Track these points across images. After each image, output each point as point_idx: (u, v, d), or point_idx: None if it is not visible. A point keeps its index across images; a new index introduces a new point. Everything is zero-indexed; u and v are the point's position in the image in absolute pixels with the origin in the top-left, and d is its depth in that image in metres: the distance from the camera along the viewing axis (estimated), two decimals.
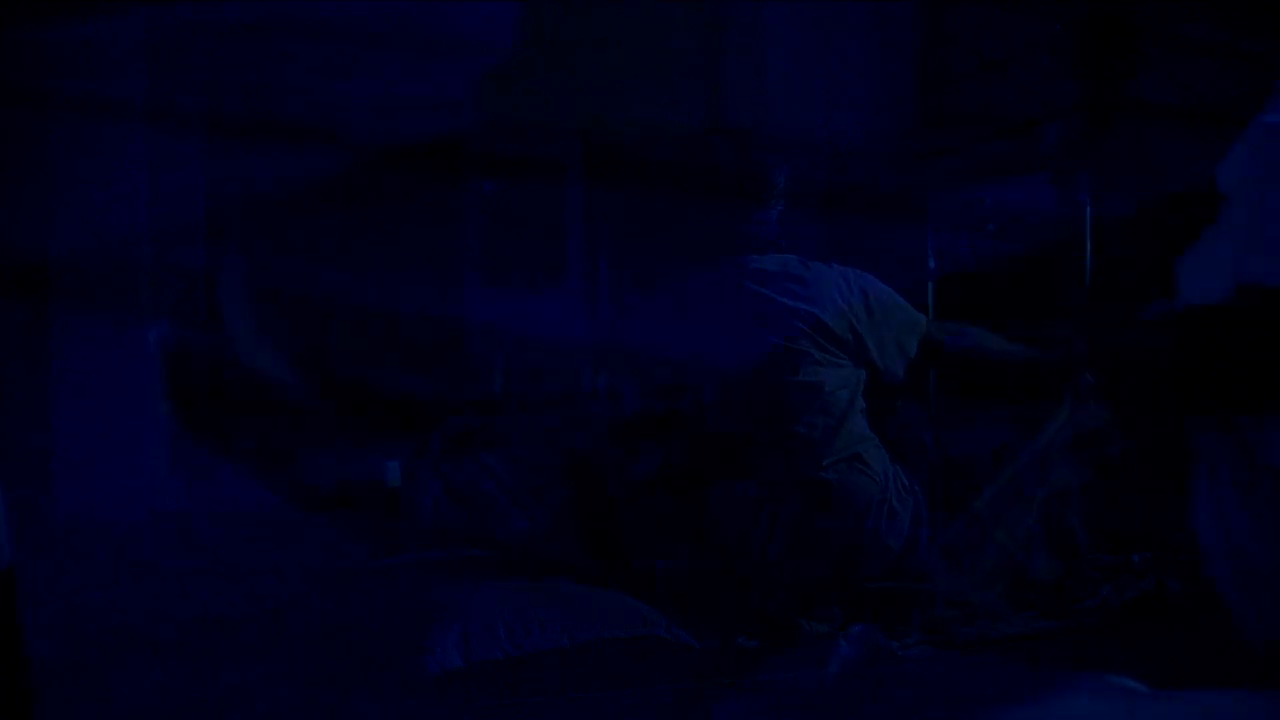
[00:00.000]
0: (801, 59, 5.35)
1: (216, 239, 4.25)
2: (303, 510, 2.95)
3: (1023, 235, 4.61)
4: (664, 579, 2.68)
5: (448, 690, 2.11)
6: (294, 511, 3.09)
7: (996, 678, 1.76)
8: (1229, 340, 1.74)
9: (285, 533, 2.75)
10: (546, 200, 4.71)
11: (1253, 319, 1.72)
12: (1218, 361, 1.74)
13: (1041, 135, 5.35)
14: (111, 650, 2.12)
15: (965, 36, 5.43)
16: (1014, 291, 4.56)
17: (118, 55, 7.28)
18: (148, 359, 2.30)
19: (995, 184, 4.84)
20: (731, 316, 3.38)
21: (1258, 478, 1.76)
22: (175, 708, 1.94)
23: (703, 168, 5.27)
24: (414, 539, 2.73)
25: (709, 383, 3.16)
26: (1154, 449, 2.64)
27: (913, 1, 5.47)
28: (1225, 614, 1.79)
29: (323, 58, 7.29)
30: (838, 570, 2.90)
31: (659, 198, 4.79)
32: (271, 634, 2.08)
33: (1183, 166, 4.07)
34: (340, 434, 3.47)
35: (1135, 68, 4.60)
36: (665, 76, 5.49)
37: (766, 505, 2.97)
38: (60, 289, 3.79)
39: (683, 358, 3.23)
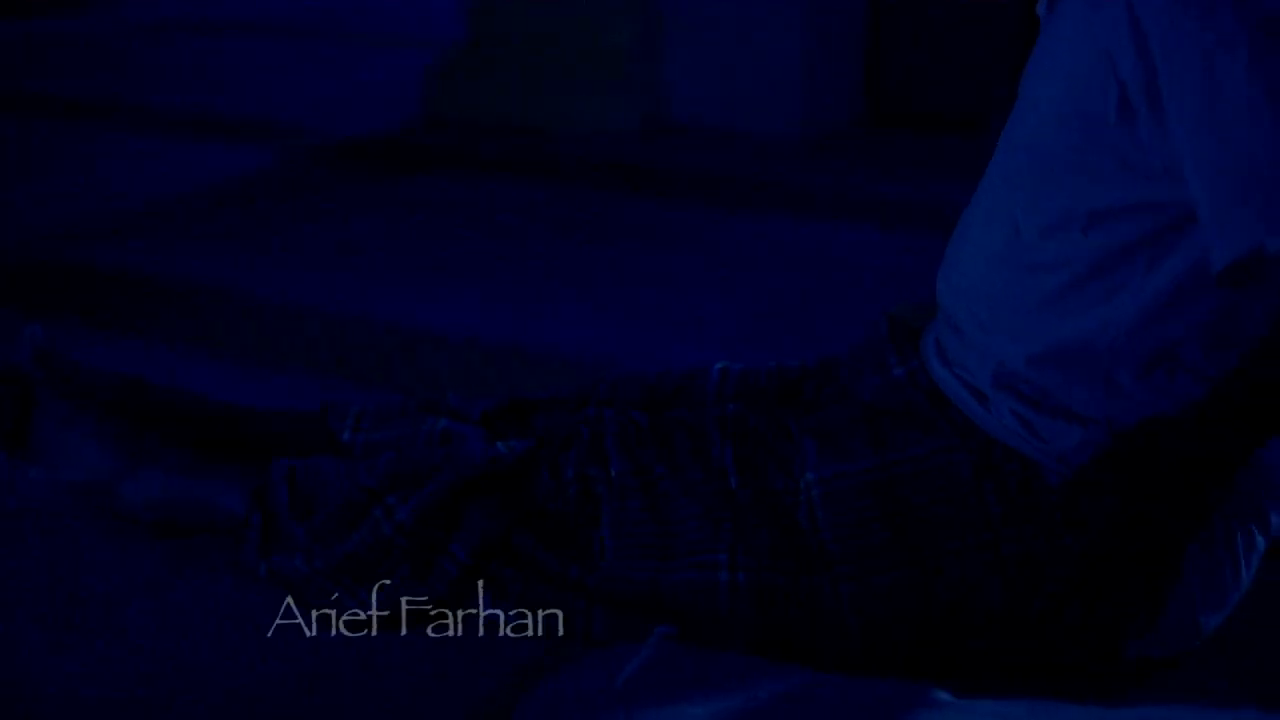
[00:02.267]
0: (742, 54, 5.30)
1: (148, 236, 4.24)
2: None
3: None
4: None
5: None
6: None
7: (796, 686, 1.67)
8: None
9: None
10: (488, 197, 4.67)
11: None
12: None
13: (989, 129, 5.26)
14: None
15: (910, 30, 5.36)
16: None
17: (62, 52, 7.31)
18: None
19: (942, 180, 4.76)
20: None
21: None
22: None
23: (644, 165, 5.22)
24: None
25: None
26: None
27: None
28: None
29: (269, 54, 7.30)
30: None
31: (601, 195, 4.75)
32: None
33: None
34: None
35: None
36: (608, 73, 5.44)
37: None
38: None
39: None
